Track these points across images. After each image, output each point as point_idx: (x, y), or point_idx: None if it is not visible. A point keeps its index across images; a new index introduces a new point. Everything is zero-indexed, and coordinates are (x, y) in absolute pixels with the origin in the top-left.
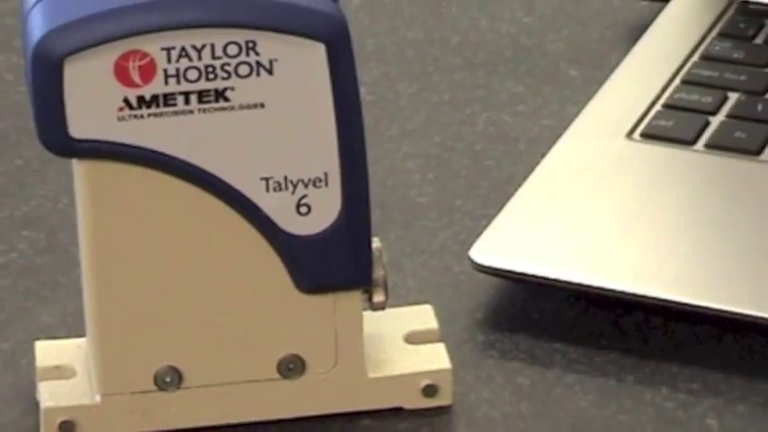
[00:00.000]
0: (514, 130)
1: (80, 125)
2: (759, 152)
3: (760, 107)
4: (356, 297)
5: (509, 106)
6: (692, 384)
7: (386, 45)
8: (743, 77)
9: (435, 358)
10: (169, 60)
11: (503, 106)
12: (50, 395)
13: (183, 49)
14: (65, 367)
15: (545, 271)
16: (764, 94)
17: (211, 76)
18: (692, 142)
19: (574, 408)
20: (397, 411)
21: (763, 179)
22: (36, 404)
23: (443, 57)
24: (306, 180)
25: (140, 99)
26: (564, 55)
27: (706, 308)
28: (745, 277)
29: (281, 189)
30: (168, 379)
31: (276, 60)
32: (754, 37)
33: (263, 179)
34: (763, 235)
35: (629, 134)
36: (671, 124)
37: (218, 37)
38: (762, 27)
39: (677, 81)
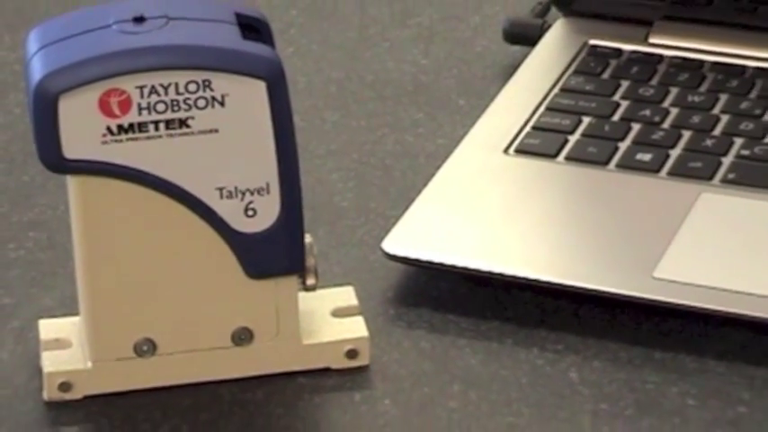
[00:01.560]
0: (416, 148)
1: (72, 148)
2: (606, 163)
3: (607, 128)
4: (293, 281)
5: (411, 129)
6: (557, 346)
7: (314, 82)
8: (593, 105)
9: (355, 328)
10: (142, 96)
11: (406, 129)
12: (51, 362)
13: (153, 87)
14: (63, 340)
15: (441, 258)
16: (610, 117)
17: (176, 108)
18: (555, 156)
19: (465, 365)
20: (326, 371)
21: (609, 183)
22: (40, 370)
23: (359, 91)
24: (252, 189)
25: (119, 127)
26: (454, 89)
27: (567, 285)
28: (595, 260)
29: (232, 197)
30: (145, 348)
31: (227, 95)
32: (601, 73)
33: (217, 189)
34: (607, 226)
35: (506, 150)
36: (538, 142)
37: (181, 77)
38: (607, 65)
39: (543, 108)
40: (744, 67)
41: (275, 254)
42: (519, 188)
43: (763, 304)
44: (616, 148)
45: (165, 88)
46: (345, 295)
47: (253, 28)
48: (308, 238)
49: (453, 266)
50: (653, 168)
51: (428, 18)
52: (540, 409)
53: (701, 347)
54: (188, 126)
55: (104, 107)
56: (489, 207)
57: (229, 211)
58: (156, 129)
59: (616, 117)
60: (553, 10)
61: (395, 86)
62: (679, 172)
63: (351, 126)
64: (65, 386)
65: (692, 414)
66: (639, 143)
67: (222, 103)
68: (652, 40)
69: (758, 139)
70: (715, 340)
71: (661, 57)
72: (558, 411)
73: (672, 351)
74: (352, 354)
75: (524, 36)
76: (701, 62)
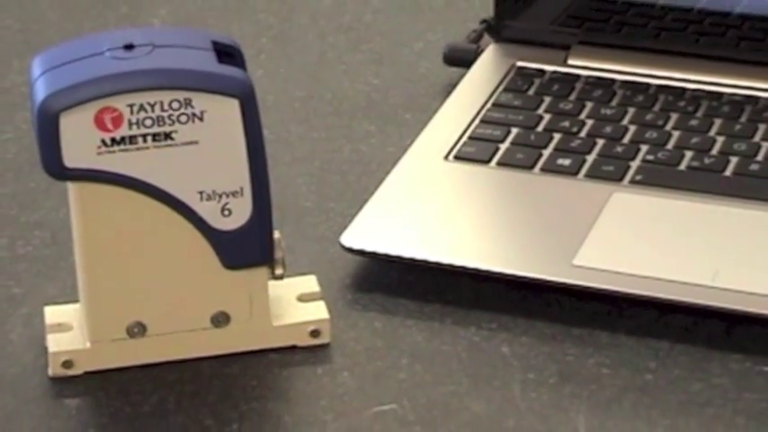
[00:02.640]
0: (368, 156)
1: (71, 158)
2: (532, 167)
3: (532, 137)
4: (263, 271)
5: (365, 140)
6: (491, 324)
7: (280, 100)
8: (520, 117)
9: (318, 311)
10: (132, 113)
11: (360, 140)
12: (55, 343)
13: (142, 105)
14: (65, 324)
15: (391, 250)
16: (535, 128)
17: (161, 123)
18: (488, 161)
19: (412, 342)
20: (293, 348)
21: (534, 185)
22: (46, 350)
23: (320, 107)
24: (227, 192)
25: (113, 140)
26: (401, 105)
27: (498, 272)
28: (523, 250)
29: (210, 199)
30: (136, 330)
31: (206, 111)
32: (527, 90)
33: (198, 192)
34: (533, 221)
35: (446, 157)
36: (474, 150)
37: (165, 96)
38: (532, 84)
39: (477, 121)
40: (648, 84)
41: (248, 248)
42: (457, 190)
43: (666, 287)
44: (540, 155)
45: (152, 106)
46: (309, 283)
47: (227, 54)
48: (276, 234)
49: (401, 257)
50: (571, 171)
51: (378, 44)
52: (477, 379)
53: (613, 325)
54: (172, 138)
55: (99, 123)
56: (432, 206)
57: (208, 212)
58: (145, 141)
59: (540, 128)
60: (486, 36)
61: (350, 103)
62: (594, 174)
63: (312, 137)
64: (67, 364)
65: (607, 381)
66: (560, 150)
67: (201, 119)
68: (570, 61)
69: (661, 146)
70: (625, 318)
71: (578, 76)
72: (493, 380)
73: (588, 328)
74: (315, 333)
75: (461, 59)
76: (612, 80)
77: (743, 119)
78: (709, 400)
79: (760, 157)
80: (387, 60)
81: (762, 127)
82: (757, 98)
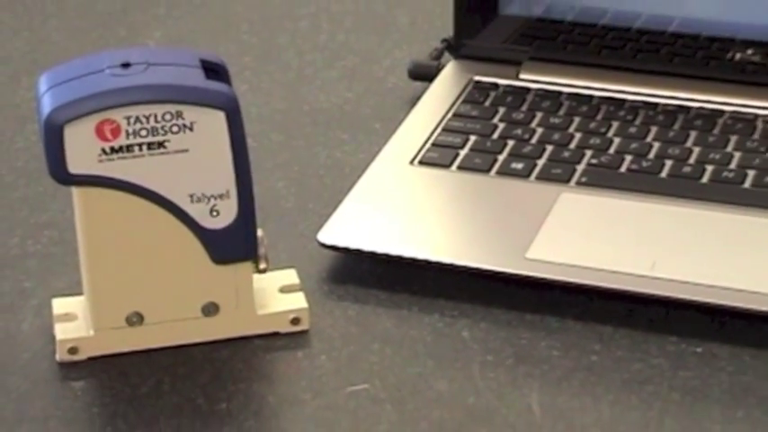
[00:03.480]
0: (342, 162)
1: (74, 165)
2: (488, 171)
3: (488, 144)
4: (248, 265)
5: (339, 147)
6: (453, 312)
7: (263, 112)
8: (478, 126)
9: (298, 301)
10: (129, 124)
11: (335, 147)
12: (62, 332)
13: (138, 117)
14: (71, 314)
15: (364, 246)
16: (491, 136)
17: (155, 133)
18: (449, 166)
19: (382, 328)
20: (275, 335)
21: (490, 186)
22: (53, 337)
23: (298, 118)
24: (215, 195)
25: (112, 148)
26: (372, 115)
27: (459, 265)
28: (481, 245)
29: (200, 201)
30: (134, 319)
31: (195, 122)
32: (483, 102)
33: (189, 195)
34: (490, 219)
35: (411, 162)
36: (436, 155)
37: (159, 109)
38: (488, 96)
39: (439, 129)
40: (591, 96)
41: (234, 244)
42: (422, 191)
43: (609, 277)
44: (495, 159)
45: (147, 118)
46: (289, 276)
47: (214, 71)
48: (259, 232)
49: (373, 252)
50: (524, 174)
51: (350, 61)
52: (441, 361)
53: (562, 311)
54: (165, 147)
55: (100, 133)
56: (399, 206)
57: (198, 212)
58: (140, 149)
59: (495, 136)
60: (446, 54)
61: (326, 114)
62: (544, 177)
63: (292, 145)
64: (73, 350)
65: (557, 362)
66: (513, 155)
67: (191, 129)
68: (522, 76)
69: (603, 151)
70: (573, 306)
71: (528, 89)
72: (455, 362)
73: (540, 314)
74: (295, 321)
75: (424, 74)
76: (559, 92)
77: (676, 126)
78: (648, 378)
79: (692, 161)
80: (358, 76)
81: (693, 134)
82: (689, 108)
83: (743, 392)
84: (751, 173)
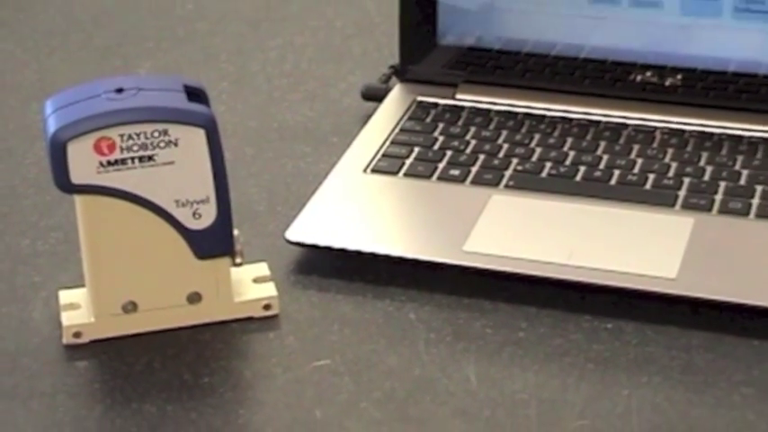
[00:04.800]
0: (306, 171)
1: (77, 176)
2: (430, 177)
3: (430, 154)
4: (226, 260)
5: (303, 158)
6: (402, 297)
7: (237, 129)
8: (420, 139)
9: (269, 290)
10: (123, 141)
11: (300, 158)
12: (68, 319)
13: (130, 134)
14: (75, 304)
15: (325, 242)
16: (432, 147)
17: (145, 148)
18: (396, 173)
19: (341, 312)
20: (250, 319)
21: (432, 190)
22: (60, 324)
23: (268, 134)
24: (197, 200)
25: (108, 162)
26: (330, 131)
27: (406, 257)
28: (424, 240)
29: (184, 205)
30: (129, 307)
31: (179, 139)
32: (425, 118)
33: (174, 200)
34: (432, 218)
35: (365, 170)
36: (386, 164)
37: (148, 128)
38: (429, 113)
39: (388, 142)
40: (516, 113)
41: (214, 242)
42: (374, 195)
43: (532, 266)
44: (436, 167)
45: (138, 135)
46: (261, 269)
47: (195, 94)
48: (235, 232)
49: (332, 247)
50: (460, 179)
51: (312, 86)
52: (391, 339)
53: (494, 295)
54: (153, 160)
55: (98, 149)
56: (355, 208)
57: (183, 215)
58: (133, 162)
59: (435, 147)
60: (393, 78)
61: (292, 131)
62: (477, 181)
63: (263, 157)
64: (77, 334)
65: (490, 338)
66: (451, 163)
67: (176, 144)
68: (458, 96)
69: (527, 159)
70: (503, 290)
71: (463, 107)
72: (403, 340)
73: (475, 298)
74: (267, 307)
75: (375, 96)
76: (489, 110)
77: (588, 137)
78: (566, 351)
79: (601, 166)
80: (318, 98)
81: (602, 143)
82: (598, 122)
83: (646, 362)
84: (651, 176)
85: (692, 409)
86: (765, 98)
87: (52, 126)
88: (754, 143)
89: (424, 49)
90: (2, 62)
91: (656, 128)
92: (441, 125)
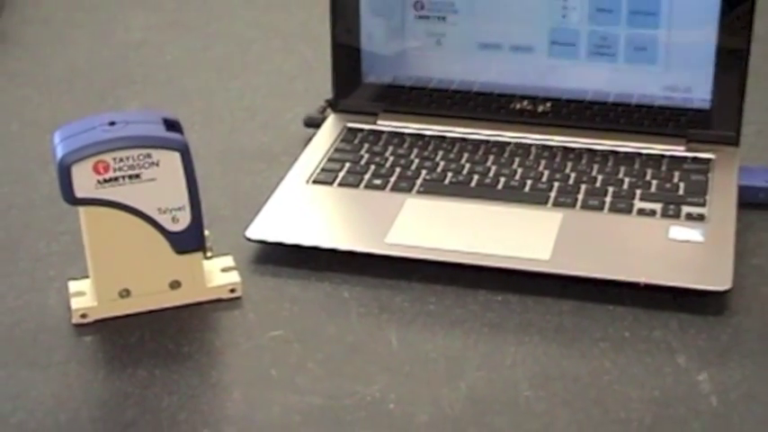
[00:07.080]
0: (261, 184)
1: (80, 191)
2: (358, 185)
3: (358, 168)
4: (200, 254)
5: (259, 173)
6: (338, 280)
7: (207, 152)
8: (350, 156)
9: (234, 277)
10: (115, 163)
11: (256, 174)
12: (76, 303)
13: (121, 158)
14: (82, 291)
15: (277, 239)
16: (359, 163)
17: (133, 168)
18: (332, 183)
19: (291, 293)
20: (219, 300)
21: (360, 197)
22: (70, 308)
23: (231, 156)
24: (176, 208)
25: (104, 179)
26: (280, 151)
27: (344, 249)
28: (358, 235)
29: (165, 213)
30: (124, 293)
31: (160, 160)
32: (354, 140)
33: (158, 209)
34: (362, 216)
35: (308, 181)
36: (324, 176)
37: (135, 152)
38: (356, 136)
39: (325, 159)
40: (425, 134)
41: (190, 240)
42: (315, 201)
43: (442, 253)
44: (362, 178)
45: (128, 158)
46: (227, 260)
47: (172, 126)
48: (206, 232)
49: (283, 243)
50: (381, 187)
51: (266, 116)
52: (330, 313)
53: (410, 276)
54: (140, 177)
55: (96, 170)
56: (300, 211)
57: (164, 220)
58: (124, 180)
59: (362, 162)
60: (328, 109)
61: (251, 153)
62: (395, 188)
63: (227, 173)
64: (83, 315)
65: (408, 310)
66: (374, 175)
67: (158, 165)
68: (379, 122)
69: (433, 170)
70: (416, 272)
71: (383, 131)
72: (339, 314)
73: (395, 279)
74: (232, 290)
75: (315, 123)
76: (404, 133)
77: (479, 153)
78: (466, 319)
79: (491, 175)
80: (271, 125)
81: (491, 157)
82: (488, 140)
83: (528, 325)
84: (528, 181)
85: (563, 360)
86: (613, 120)
87: (60, 152)
88: (605, 154)
89: (351, 86)
90: (22, 103)
91: (531, 144)
92: (366, 145)
